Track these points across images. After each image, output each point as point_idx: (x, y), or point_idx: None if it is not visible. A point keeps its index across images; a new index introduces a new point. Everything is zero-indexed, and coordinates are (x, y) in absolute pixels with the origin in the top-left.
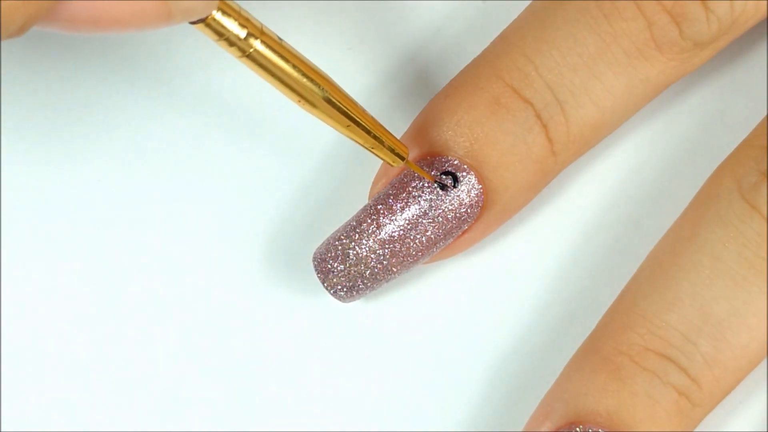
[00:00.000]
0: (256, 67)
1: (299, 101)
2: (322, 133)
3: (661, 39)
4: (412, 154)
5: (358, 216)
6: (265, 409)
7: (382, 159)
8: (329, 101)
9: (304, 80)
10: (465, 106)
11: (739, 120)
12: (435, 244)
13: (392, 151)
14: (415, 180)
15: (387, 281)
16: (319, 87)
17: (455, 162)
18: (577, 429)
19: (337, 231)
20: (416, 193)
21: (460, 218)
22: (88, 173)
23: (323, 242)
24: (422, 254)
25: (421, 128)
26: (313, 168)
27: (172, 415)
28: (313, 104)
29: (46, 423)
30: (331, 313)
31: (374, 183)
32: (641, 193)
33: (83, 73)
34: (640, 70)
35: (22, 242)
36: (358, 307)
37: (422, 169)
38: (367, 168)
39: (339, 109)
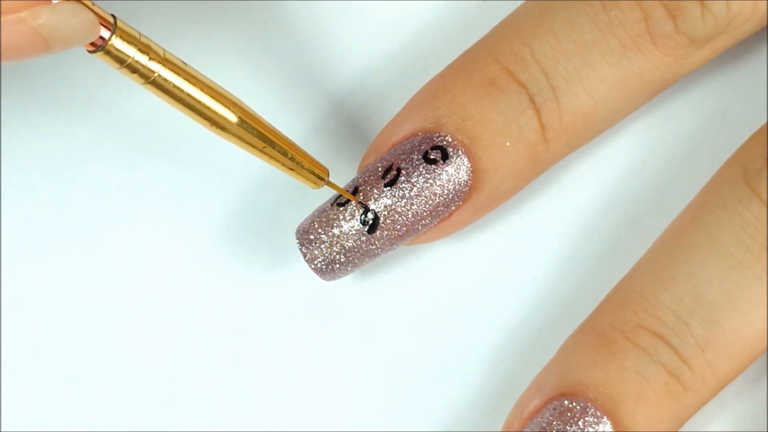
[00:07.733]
0: (161, 94)
1: (210, 126)
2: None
3: (656, 32)
4: (407, 129)
5: (344, 188)
6: (257, 397)
7: (302, 181)
8: (241, 124)
9: (213, 104)
10: (460, 86)
11: (740, 118)
12: (420, 221)
13: (312, 173)
14: (404, 155)
15: (370, 258)
16: (229, 110)
17: (447, 138)
18: (565, 402)
19: (322, 204)
20: (404, 167)
21: (447, 196)
22: (88, 173)
23: (307, 216)
24: (407, 231)
25: (416, 105)
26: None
27: (168, 399)
28: (224, 128)
29: (46, 423)
30: (326, 308)
31: (364, 158)
32: (640, 190)
33: (83, 72)
34: (634, 62)
35: (22, 242)
36: (351, 297)
37: (348, 191)
38: (357, 147)
39: (252, 132)
